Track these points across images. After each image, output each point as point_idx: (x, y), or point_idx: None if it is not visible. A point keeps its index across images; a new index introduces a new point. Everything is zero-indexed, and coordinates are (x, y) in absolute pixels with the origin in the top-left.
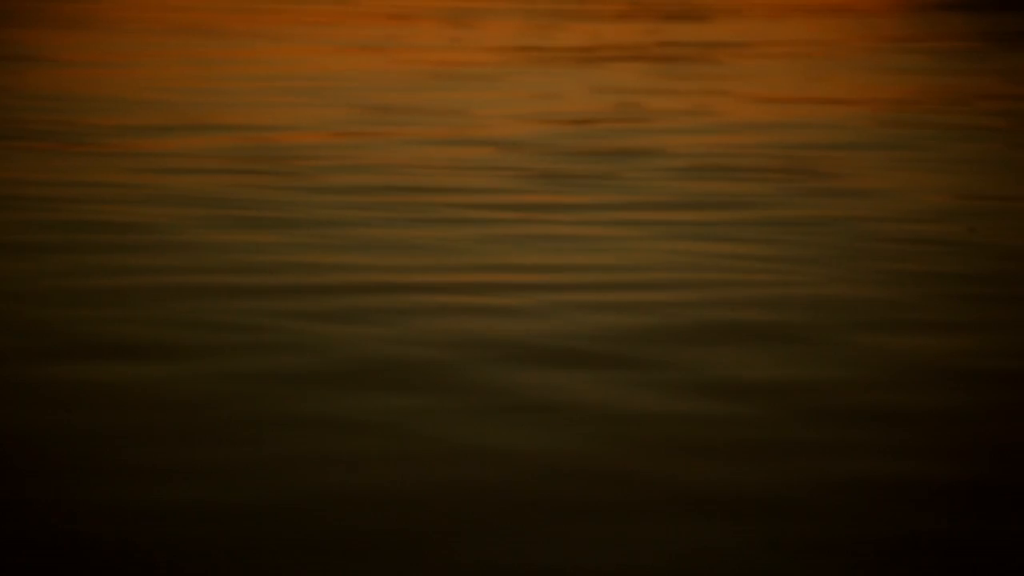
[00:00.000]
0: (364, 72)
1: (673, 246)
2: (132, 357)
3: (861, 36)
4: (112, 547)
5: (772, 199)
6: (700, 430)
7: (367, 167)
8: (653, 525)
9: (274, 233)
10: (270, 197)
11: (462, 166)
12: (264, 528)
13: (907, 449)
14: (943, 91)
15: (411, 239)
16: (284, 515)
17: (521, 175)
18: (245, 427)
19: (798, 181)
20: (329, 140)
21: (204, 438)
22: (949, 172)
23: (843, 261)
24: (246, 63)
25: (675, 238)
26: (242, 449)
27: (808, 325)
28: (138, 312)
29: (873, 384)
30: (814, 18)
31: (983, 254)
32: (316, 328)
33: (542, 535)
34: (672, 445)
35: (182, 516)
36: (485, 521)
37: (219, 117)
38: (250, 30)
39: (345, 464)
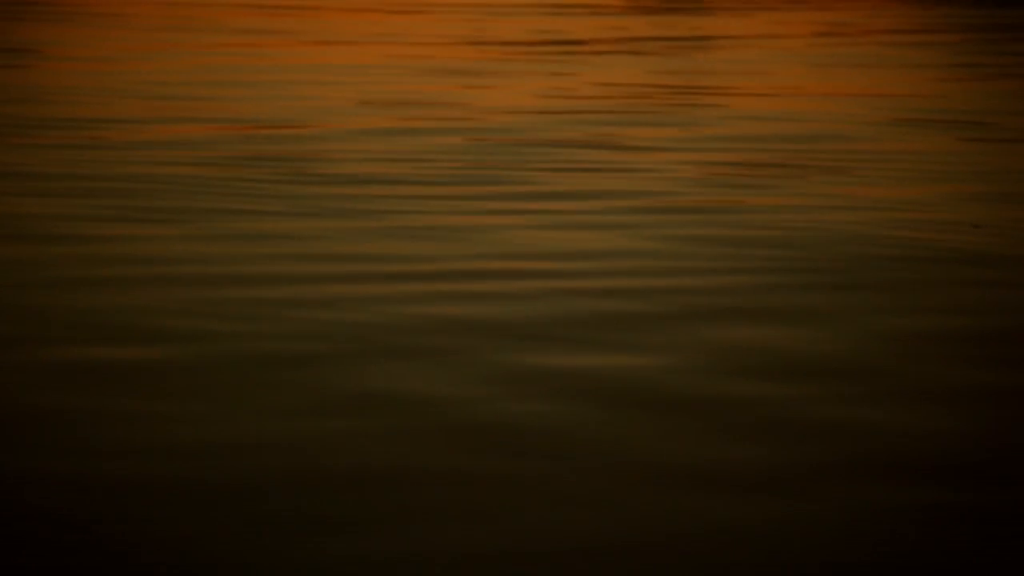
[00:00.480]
0: (348, 67)
1: (555, 235)
2: (91, 343)
3: (851, 30)
4: (64, 518)
5: (685, 190)
6: (533, 421)
7: (328, 159)
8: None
9: (188, 226)
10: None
11: (406, 158)
12: (224, 508)
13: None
14: (896, 86)
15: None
16: (240, 495)
17: (453, 166)
18: (211, 410)
19: (730, 174)
20: (265, 132)
21: (167, 420)
22: (885, 167)
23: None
24: (233, 57)
25: (560, 227)
26: (211, 429)
27: (665, 315)
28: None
29: (699, 371)
30: (809, 13)
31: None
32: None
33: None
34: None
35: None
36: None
37: (197, 111)
38: (241, 27)
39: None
